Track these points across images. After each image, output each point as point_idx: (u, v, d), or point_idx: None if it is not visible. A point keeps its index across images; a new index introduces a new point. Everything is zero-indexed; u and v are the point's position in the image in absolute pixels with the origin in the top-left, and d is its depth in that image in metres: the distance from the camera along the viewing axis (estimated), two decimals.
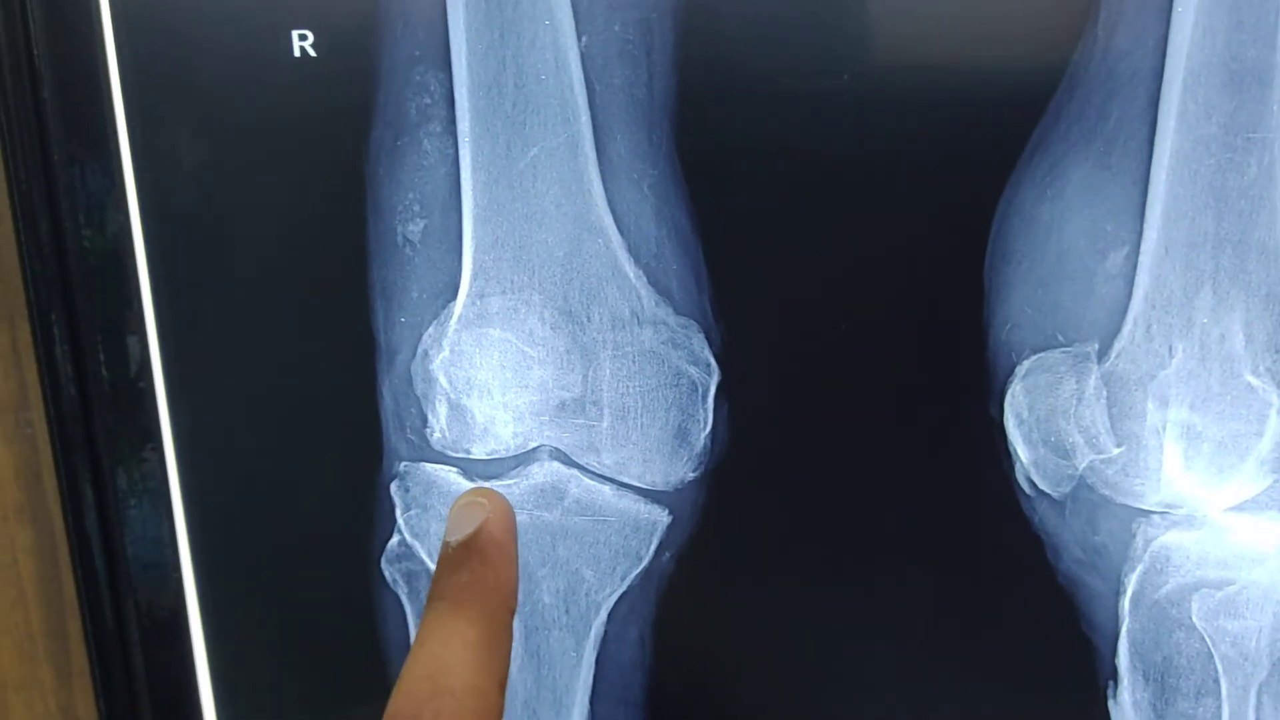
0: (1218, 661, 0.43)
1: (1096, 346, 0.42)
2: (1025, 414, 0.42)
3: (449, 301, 0.45)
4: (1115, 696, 0.44)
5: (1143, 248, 0.41)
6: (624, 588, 0.46)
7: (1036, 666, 0.45)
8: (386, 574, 0.48)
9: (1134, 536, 0.43)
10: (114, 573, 0.49)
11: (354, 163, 0.43)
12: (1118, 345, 0.41)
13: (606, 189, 0.43)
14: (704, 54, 0.41)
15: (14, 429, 0.50)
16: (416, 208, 0.43)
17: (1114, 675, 0.44)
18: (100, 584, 0.49)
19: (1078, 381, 0.42)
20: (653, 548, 0.46)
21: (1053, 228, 0.41)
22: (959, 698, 0.46)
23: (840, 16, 0.40)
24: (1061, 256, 0.41)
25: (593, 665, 0.47)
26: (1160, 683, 0.44)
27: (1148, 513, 0.42)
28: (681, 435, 0.45)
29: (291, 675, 0.50)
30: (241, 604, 0.50)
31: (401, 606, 0.48)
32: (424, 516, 0.47)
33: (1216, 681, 0.44)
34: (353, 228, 0.44)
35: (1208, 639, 0.43)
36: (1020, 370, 0.42)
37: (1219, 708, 0.44)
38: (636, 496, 0.45)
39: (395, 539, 0.48)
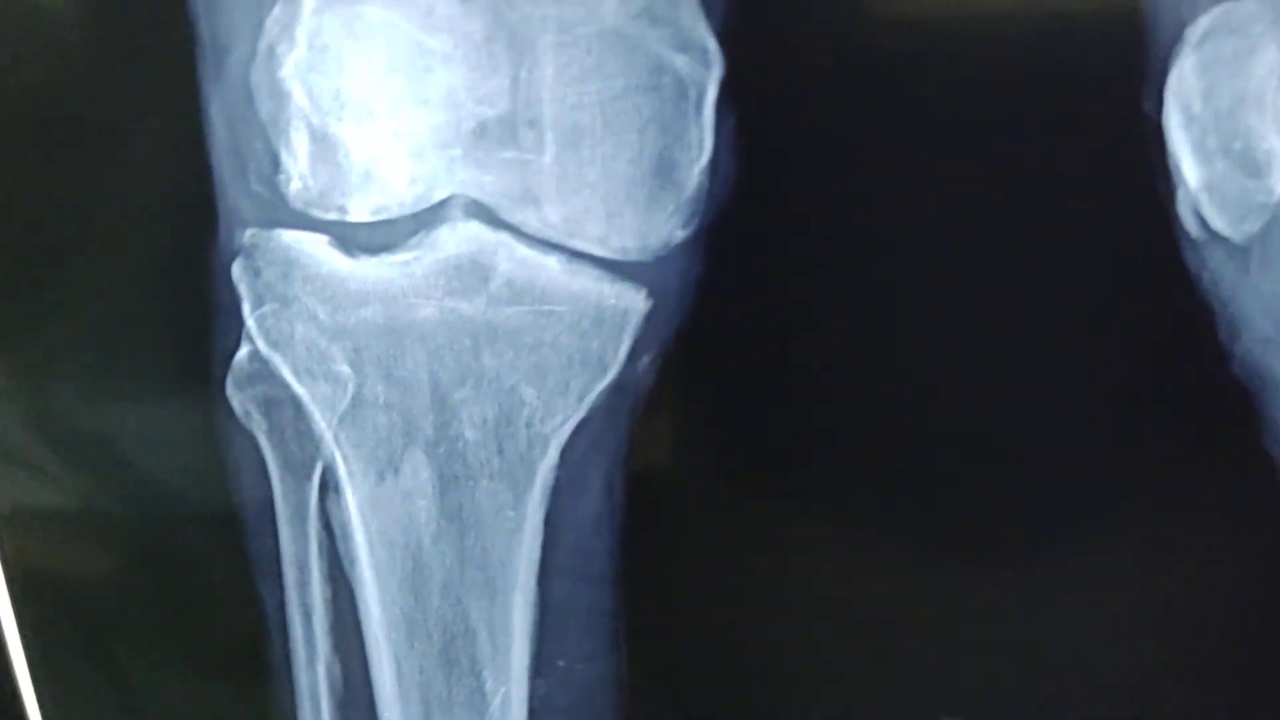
0: None
1: None
2: (1197, 106, 0.35)
3: None
4: None
5: None
6: (583, 412, 0.40)
7: (1200, 496, 0.39)
8: (234, 403, 0.41)
9: None
10: None
11: None
12: None
13: None
14: None
15: None
16: None
17: None
18: None
19: None
20: (623, 350, 0.39)
21: None
22: (1081, 540, 0.40)
23: None
24: None
25: (540, 528, 0.41)
26: None
27: None
28: (665, 170, 0.37)
29: (107, 552, 0.44)
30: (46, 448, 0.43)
31: (259, 452, 0.41)
32: (284, 314, 0.39)
33: None
34: None
35: None
36: (1192, 34, 0.34)
37: None
38: (598, 271, 0.39)
39: (244, 350, 0.40)
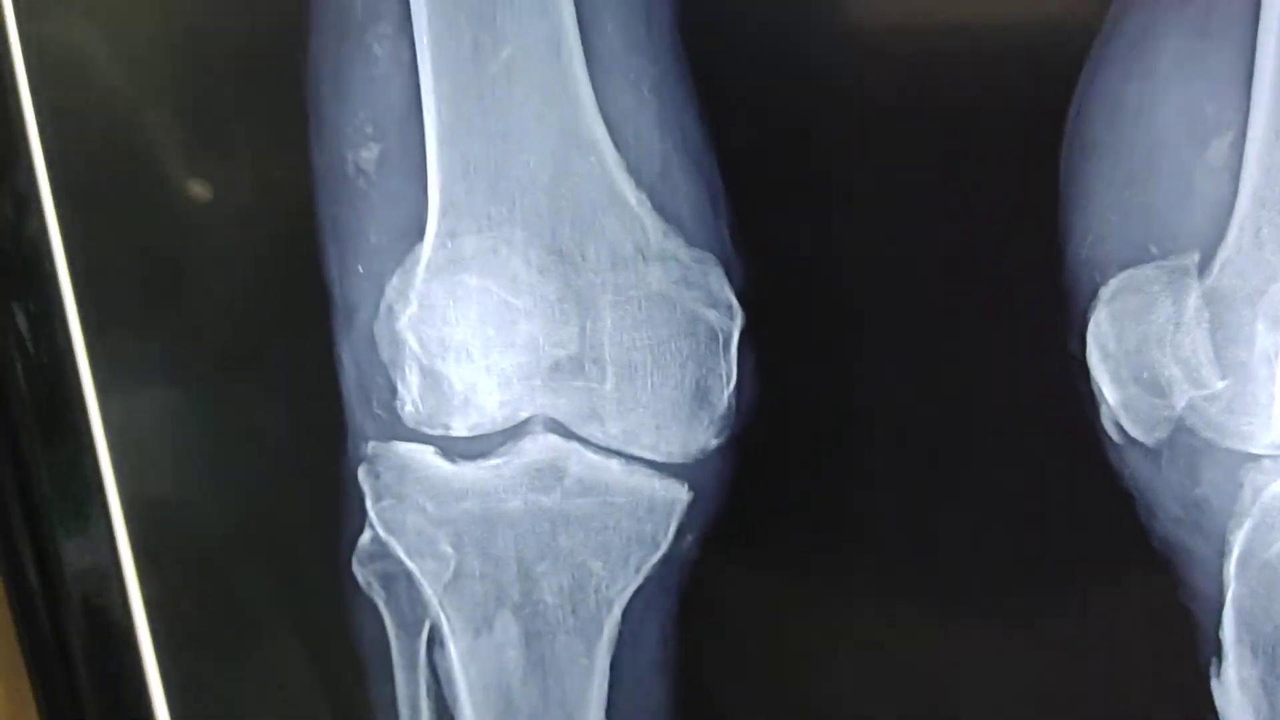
0: None
1: (1196, 258, 0.37)
2: (1112, 346, 0.38)
3: (414, 244, 0.40)
4: (1219, 675, 0.40)
5: (1250, 133, 0.35)
6: (640, 580, 0.43)
7: (1126, 642, 0.41)
8: (359, 576, 0.44)
9: (1241, 486, 0.39)
10: (49, 583, 0.46)
11: (291, 78, 0.39)
12: (1222, 255, 0.37)
13: (597, 94, 0.38)
14: None
15: None
16: (369, 129, 0.39)
17: (1217, 651, 0.40)
18: (35, 600, 0.46)
19: (1175, 302, 0.37)
20: (671, 531, 0.42)
21: (1141, 113, 0.36)
22: (1035, 683, 0.43)
23: None
24: (1153, 149, 0.36)
25: (607, 672, 0.44)
26: (1272, 657, 0.40)
27: (1258, 457, 0.38)
28: (701, 395, 0.41)
29: (258, 697, 0.47)
30: (195, 617, 0.46)
31: (380, 615, 0.45)
32: (399, 507, 0.43)
33: None
34: (294, 159, 0.39)
35: None
36: (1105, 293, 0.38)
37: None
38: (650, 471, 0.42)
39: (367, 535, 0.44)
